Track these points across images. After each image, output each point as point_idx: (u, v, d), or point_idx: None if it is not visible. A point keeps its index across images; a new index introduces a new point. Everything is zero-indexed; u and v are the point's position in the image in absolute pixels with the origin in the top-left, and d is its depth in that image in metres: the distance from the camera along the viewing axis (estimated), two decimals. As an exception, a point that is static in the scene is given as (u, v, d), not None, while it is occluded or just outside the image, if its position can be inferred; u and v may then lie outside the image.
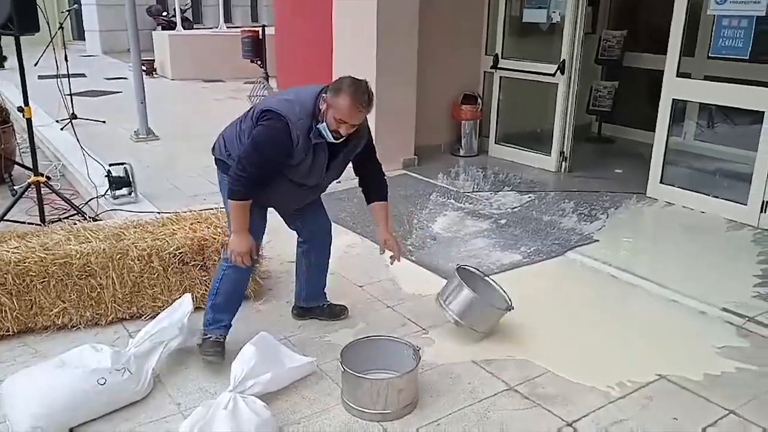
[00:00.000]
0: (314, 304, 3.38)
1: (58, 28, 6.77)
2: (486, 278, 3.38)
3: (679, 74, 4.97)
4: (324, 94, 2.71)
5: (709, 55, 4.89)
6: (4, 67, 13.10)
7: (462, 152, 6.57)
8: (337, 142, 2.78)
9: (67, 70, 6.88)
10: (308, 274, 3.31)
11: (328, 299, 3.41)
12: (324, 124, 2.71)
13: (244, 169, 2.72)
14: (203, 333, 2.98)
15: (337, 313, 3.40)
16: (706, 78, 5.23)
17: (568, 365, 2.99)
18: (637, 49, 6.89)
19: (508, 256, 4.17)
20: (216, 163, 3.02)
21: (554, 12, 5.89)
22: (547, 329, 3.35)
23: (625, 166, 6.11)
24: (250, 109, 2.90)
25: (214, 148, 3.02)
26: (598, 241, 4.38)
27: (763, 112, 4.48)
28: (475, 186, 5.60)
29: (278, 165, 2.77)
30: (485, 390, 2.82)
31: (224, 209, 3.05)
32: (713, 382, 2.89)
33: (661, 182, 5.19)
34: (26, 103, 4.40)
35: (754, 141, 4.57)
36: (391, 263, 3.17)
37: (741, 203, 4.69)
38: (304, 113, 2.71)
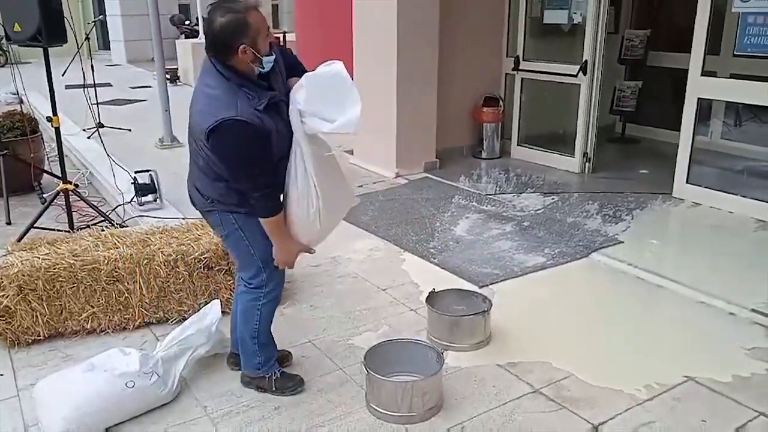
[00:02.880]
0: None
1: (85, 39, 6.90)
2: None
3: (704, 73, 4.90)
4: (238, 45, 2.27)
5: (735, 52, 4.82)
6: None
7: (484, 155, 6.55)
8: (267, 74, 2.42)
9: (93, 80, 7.02)
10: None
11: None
12: (260, 62, 2.34)
13: (257, 185, 2.39)
14: (263, 376, 2.81)
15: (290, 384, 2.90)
16: (732, 76, 5.16)
17: (593, 367, 2.97)
18: (661, 48, 6.80)
19: (532, 258, 4.15)
20: (204, 216, 2.68)
21: (575, 12, 5.85)
22: (572, 331, 3.33)
23: (650, 166, 6.04)
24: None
25: (193, 202, 2.64)
26: (623, 242, 4.34)
27: (791, 110, 4.41)
28: (498, 188, 5.58)
29: (269, 152, 2.40)
30: (510, 393, 2.80)
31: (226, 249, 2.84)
32: (742, 383, 2.84)
33: (687, 182, 5.12)
34: (54, 112, 4.50)
35: (783, 139, 4.49)
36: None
37: (770, 203, 4.62)
38: (231, 95, 2.31)
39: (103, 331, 3.31)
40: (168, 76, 9.52)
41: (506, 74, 6.55)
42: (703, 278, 3.77)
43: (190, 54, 12.42)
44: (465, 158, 6.53)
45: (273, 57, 2.39)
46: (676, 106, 5.17)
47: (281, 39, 9.17)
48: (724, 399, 2.74)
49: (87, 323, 3.27)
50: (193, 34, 15.17)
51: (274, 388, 2.81)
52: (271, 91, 2.40)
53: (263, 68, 2.38)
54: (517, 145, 6.53)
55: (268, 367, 2.83)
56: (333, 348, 3.18)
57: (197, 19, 14.35)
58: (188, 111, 2.47)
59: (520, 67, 6.28)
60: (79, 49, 5.11)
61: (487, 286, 3.78)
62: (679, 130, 5.14)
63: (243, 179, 2.41)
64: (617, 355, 3.11)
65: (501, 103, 6.53)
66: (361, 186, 5.68)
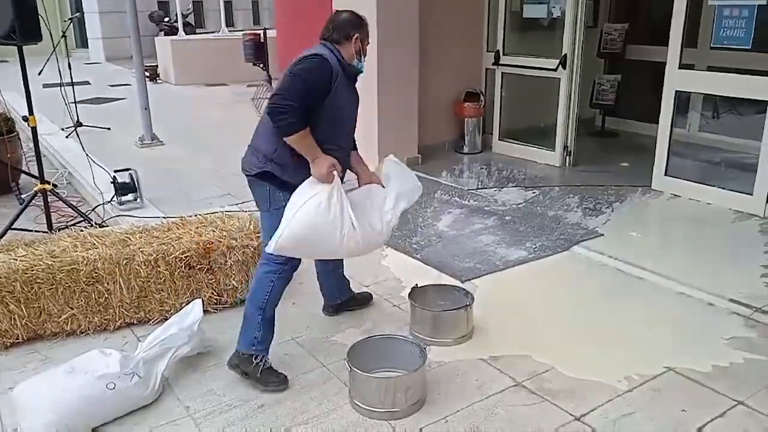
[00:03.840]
0: (347, 296, 3.49)
1: (61, 37, 6.80)
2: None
3: (682, 65, 4.95)
4: (354, 35, 2.81)
5: (712, 45, 4.87)
6: None
7: (465, 149, 6.57)
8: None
9: (71, 78, 6.93)
10: (333, 275, 3.40)
11: (353, 290, 3.55)
12: (356, 60, 2.86)
13: (284, 98, 2.60)
14: (254, 356, 2.82)
15: (367, 299, 3.57)
16: (709, 69, 5.21)
17: (575, 360, 2.99)
18: (639, 41, 6.86)
19: (513, 252, 4.17)
20: (252, 183, 2.86)
21: (554, 7, 5.88)
22: (553, 324, 3.35)
23: (629, 159, 6.09)
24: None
25: (245, 164, 2.86)
26: (603, 235, 4.38)
27: (767, 102, 4.46)
28: (479, 183, 5.60)
29: (319, 97, 2.68)
30: (493, 386, 2.82)
31: (261, 223, 2.97)
32: (721, 373, 2.88)
33: (666, 174, 5.18)
34: (31, 112, 4.43)
35: (759, 131, 4.54)
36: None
37: (747, 194, 4.67)
38: (334, 58, 2.76)
39: (83, 333, 3.28)
40: (147, 74, 9.45)
41: (487, 69, 6.57)
42: (683, 269, 3.81)
43: (169, 51, 12.31)
44: (447, 153, 6.55)
45: (362, 67, 2.90)
46: (655, 99, 5.22)
47: (261, 36, 9.10)
48: (704, 389, 2.77)
49: (66, 325, 3.24)
50: (172, 30, 15.03)
51: (258, 375, 2.82)
52: (355, 76, 2.89)
53: (361, 65, 2.89)
54: (499, 139, 6.56)
55: (262, 348, 2.85)
56: (316, 345, 3.18)
57: (176, 15, 14.23)
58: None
59: (501, 62, 6.30)
60: (55, 47, 5.03)
61: (469, 280, 3.80)
62: (658, 123, 5.19)
63: (283, 86, 2.65)
64: (598, 346, 3.14)
65: (482, 98, 6.54)
66: (343, 183, 5.65)
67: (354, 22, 2.85)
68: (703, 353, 3.03)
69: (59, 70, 5.28)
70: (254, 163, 2.81)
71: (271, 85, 9.11)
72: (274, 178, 2.77)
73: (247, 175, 2.86)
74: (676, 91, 5.02)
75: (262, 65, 9.06)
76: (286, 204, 2.70)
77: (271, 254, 2.73)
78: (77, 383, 2.58)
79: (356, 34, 2.82)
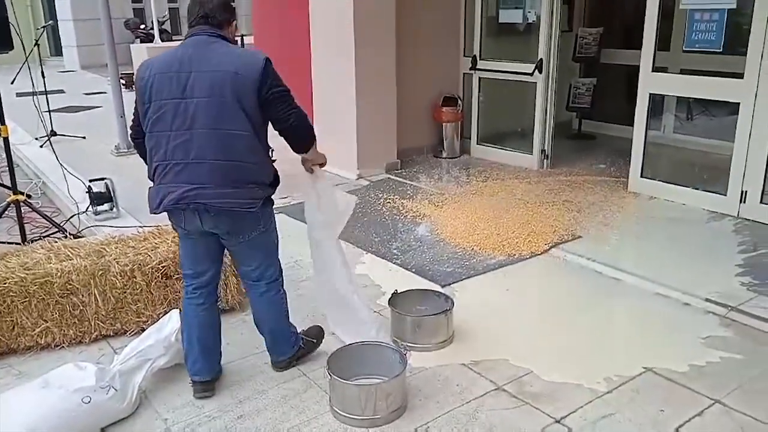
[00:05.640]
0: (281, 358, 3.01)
1: (34, 45, 6.71)
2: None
3: (655, 69, 5.01)
4: (233, 21, 2.66)
5: (684, 49, 4.94)
6: None
7: (444, 154, 6.59)
8: None
9: (44, 87, 6.84)
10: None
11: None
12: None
13: (305, 114, 2.65)
14: (298, 343, 3.03)
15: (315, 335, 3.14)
16: (682, 72, 5.29)
17: (555, 362, 3.01)
18: (614, 45, 6.95)
19: (493, 255, 4.18)
20: (238, 217, 2.61)
21: (530, 12, 5.93)
22: (533, 327, 3.37)
23: (606, 161, 6.15)
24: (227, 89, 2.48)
25: (231, 204, 2.56)
26: (581, 237, 4.41)
27: (739, 104, 4.53)
28: (459, 187, 5.61)
29: None
30: (473, 391, 2.82)
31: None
32: (698, 372, 2.91)
33: (642, 176, 5.24)
34: (2, 121, 4.36)
35: (732, 132, 4.62)
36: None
37: (721, 194, 4.74)
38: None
39: (58, 346, 3.22)
40: (123, 82, 9.33)
41: (464, 74, 6.60)
42: (659, 270, 3.85)
43: (145, 58, 12.16)
44: (426, 158, 6.56)
45: None
46: (630, 102, 5.28)
47: (239, 42, 9.05)
48: (682, 388, 2.80)
49: (41, 338, 3.18)
50: (148, 38, 14.88)
51: (314, 342, 3.07)
52: None
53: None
54: (477, 143, 6.59)
55: (298, 336, 3.01)
56: (296, 353, 3.15)
57: (152, 22, 14.10)
58: (186, 96, 2.49)
59: (478, 67, 6.34)
60: (27, 55, 4.95)
61: (449, 285, 3.80)
62: (633, 125, 5.24)
63: (297, 105, 2.60)
64: (578, 349, 3.16)
65: (460, 102, 6.57)
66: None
67: (229, 6, 2.65)
68: (680, 353, 3.06)
69: (32, 79, 5.20)
70: (251, 196, 2.58)
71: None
72: (269, 199, 2.73)
73: (236, 212, 2.58)
74: (651, 94, 5.09)
75: (239, 72, 9.00)
76: (273, 219, 2.81)
77: (267, 279, 2.83)
78: (51, 398, 2.53)
79: (233, 19, 2.67)
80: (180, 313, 2.88)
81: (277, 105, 2.55)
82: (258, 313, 2.93)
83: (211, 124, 2.47)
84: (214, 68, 2.48)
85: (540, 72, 5.78)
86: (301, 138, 2.71)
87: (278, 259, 2.90)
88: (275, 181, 2.71)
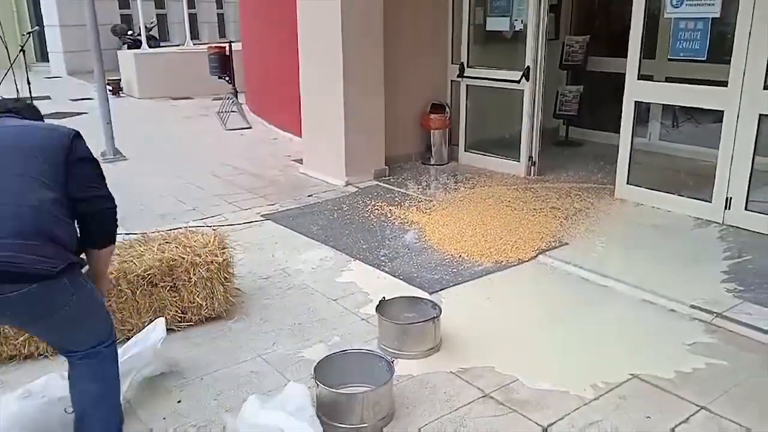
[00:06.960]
0: None
1: (19, 51, 6.67)
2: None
3: (641, 77, 5.06)
4: None
5: (669, 57, 4.99)
6: None
7: (433, 161, 6.60)
8: None
9: (30, 93, 6.79)
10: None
11: None
12: None
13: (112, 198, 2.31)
14: None
15: None
16: (668, 79, 5.34)
17: (542, 369, 3.01)
18: (600, 53, 7.00)
19: (480, 262, 4.19)
20: (45, 288, 2.02)
21: (517, 20, 5.97)
22: (520, 334, 3.37)
23: (593, 168, 6.19)
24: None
25: (31, 261, 1.98)
26: (567, 244, 4.43)
27: (723, 111, 4.58)
28: (447, 194, 5.62)
29: None
30: (461, 398, 2.81)
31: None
32: (684, 379, 2.92)
33: (628, 183, 5.27)
34: (-14, 128, 4.31)
35: (717, 139, 4.66)
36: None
37: (706, 201, 4.78)
38: None
39: (41, 356, 3.18)
40: (110, 88, 9.32)
41: (452, 81, 6.63)
42: (645, 277, 3.87)
43: (132, 64, 12.16)
44: (414, 165, 6.57)
45: None
46: (616, 109, 5.32)
47: (227, 49, 9.05)
48: (668, 395, 2.81)
49: (24, 348, 3.13)
50: (136, 44, 14.85)
51: None
52: None
53: None
54: (465, 151, 6.61)
55: None
56: (284, 362, 3.13)
57: (140, 28, 14.07)
58: None
59: (465, 74, 6.36)
60: (13, 62, 4.92)
61: (437, 292, 3.80)
62: (619, 133, 5.28)
63: (105, 185, 2.38)
64: (564, 356, 3.16)
65: (447, 109, 6.60)
66: (311, 195, 5.65)
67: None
68: (666, 360, 3.07)
69: (15, 86, 5.16)
70: (54, 255, 2.02)
71: (236, 98, 9.05)
72: (71, 257, 2.14)
73: (42, 278, 1.99)
74: (636, 102, 5.13)
75: (227, 78, 9.00)
76: (88, 281, 2.26)
77: (102, 345, 2.33)
78: (33, 408, 2.49)
79: None
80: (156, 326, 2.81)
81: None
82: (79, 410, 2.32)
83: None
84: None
85: (527, 79, 5.82)
86: (109, 230, 2.37)
87: (109, 317, 2.48)
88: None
